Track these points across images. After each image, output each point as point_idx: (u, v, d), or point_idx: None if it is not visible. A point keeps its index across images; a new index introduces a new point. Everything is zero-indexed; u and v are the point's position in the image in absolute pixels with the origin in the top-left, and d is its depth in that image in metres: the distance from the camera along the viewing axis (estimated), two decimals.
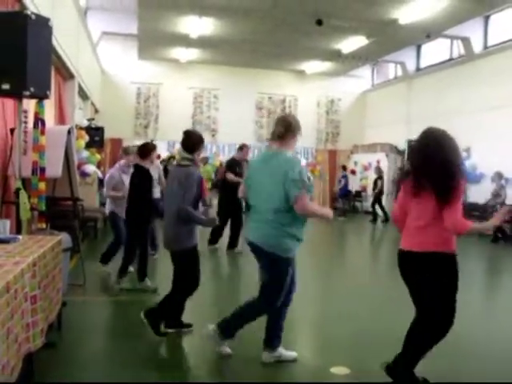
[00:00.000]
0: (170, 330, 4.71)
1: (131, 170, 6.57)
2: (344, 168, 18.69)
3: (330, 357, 4.35)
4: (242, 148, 9.50)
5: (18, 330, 2.98)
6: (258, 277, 4.12)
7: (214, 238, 9.49)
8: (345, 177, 18.40)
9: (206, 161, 16.15)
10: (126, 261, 6.41)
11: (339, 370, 3.98)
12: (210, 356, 4.22)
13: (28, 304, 3.25)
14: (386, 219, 15.57)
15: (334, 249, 11.76)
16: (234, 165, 9.29)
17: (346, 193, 18.45)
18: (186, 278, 4.60)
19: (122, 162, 7.24)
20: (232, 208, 9.20)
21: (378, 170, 16.63)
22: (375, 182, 16.60)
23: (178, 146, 17.88)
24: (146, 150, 6.29)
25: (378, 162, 17.46)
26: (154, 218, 6.98)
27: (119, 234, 6.99)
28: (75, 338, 4.60)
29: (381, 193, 16.34)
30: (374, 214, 16.27)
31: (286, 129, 3.91)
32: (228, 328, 4.05)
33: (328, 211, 4.15)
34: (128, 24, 14.56)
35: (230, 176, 9.02)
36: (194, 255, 4.59)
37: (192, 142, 4.65)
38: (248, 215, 4.37)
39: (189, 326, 4.81)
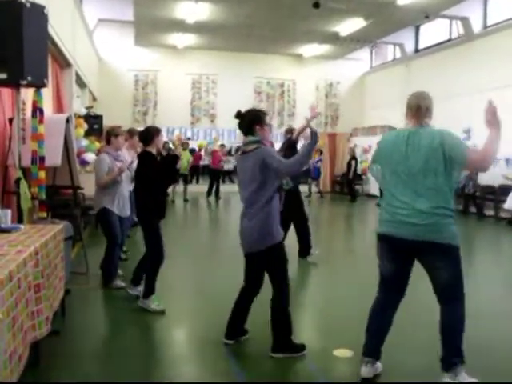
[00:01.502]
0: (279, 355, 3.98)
1: (123, 154, 6.08)
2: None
3: (333, 339, 4.38)
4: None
5: (23, 318, 3.01)
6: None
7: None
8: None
9: (185, 146, 15.85)
10: (154, 273, 5.18)
11: (342, 353, 4.01)
12: (216, 348, 4.25)
13: (32, 293, 3.27)
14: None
15: (337, 232, 11.79)
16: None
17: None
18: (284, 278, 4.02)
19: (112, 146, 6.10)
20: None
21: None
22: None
23: (177, 132, 17.93)
24: (149, 134, 5.28)
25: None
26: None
27: (115, 233, 5.90)
28: (79, 325, 4.64)
29: None
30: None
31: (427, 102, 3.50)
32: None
33: None
34: (124, 10, 14.41)
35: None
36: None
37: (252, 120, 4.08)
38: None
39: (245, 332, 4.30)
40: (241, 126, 4.08)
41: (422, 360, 3.88)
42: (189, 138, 18.23)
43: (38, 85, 4.85)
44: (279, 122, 19.67)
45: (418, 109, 3.44)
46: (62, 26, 9.22)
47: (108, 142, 6.07)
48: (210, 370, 3.85)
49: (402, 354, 4.01)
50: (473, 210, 13.51)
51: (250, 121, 4.03)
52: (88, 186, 9.69)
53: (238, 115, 4.08)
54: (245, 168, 4.00)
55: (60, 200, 7.80)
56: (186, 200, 16.09)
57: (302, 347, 4.01)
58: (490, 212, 13.11)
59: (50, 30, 7.17)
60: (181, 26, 15.44)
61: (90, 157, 10.76)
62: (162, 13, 14.18)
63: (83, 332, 4.50)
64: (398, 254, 3.47)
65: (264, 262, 4.00)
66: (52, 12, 5.82)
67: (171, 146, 11.58)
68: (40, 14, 4.69)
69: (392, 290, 3.58)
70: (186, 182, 16.38)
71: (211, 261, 7.68)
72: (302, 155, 3.88)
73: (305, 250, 7.61)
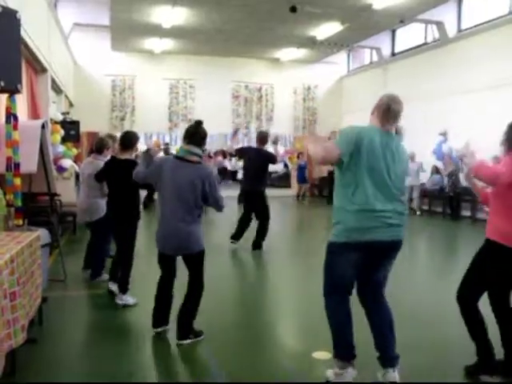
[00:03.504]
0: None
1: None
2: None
3: (311, 342, 4.38)
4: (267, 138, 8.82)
5: None
6: None
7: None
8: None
9: (167, 151, 15.29)
10: (130, 269, 5.54)
11: (321, 355, 4.02)
12: (196, 348, 4.24)
13: (7, 301, 3.21)
14: None
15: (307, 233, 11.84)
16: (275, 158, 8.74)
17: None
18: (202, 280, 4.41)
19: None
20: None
21: None
22: None
23: (155, 138, 17.81)
24: (132, 139, 5.58)
25: None
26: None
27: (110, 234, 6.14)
28: (56, 333, 4.57)
29: None
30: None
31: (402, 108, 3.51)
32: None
33: None
34: (100, 14, 14.32)
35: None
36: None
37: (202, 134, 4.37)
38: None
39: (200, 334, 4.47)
40: (194, 135, 4.27)
41: (420, 359, 3.91)
42: (167, 144, 18.13)
43: (12, 90, 4.77)
44: (257, 126, 19.71)
45: (398, 116, 3.47)
46: (36, 31, 9.12)
47: (100, 152, 6.49)
48: (189, 371, 3.83)
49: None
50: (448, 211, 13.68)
51: (206, 136, 4.34)
52: (65, 192, 9.62)
53: (199, 123, 4.34)
54: (183, 175, 4.18)
55: (36, 207, 7.69)
56: None
57: (200, 332, 4.41)
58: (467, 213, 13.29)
59: (24, 34, 7.12)
60: (157, 31, 15.38)
61: (68, 163, 10.65)
62: (138, 17, 14.11)
63: (61, 340, 4.43)
64: (371, 260, 3.47)
65: (195, 263, 4.35)
66: (25, 16, 5.77)
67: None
68: (12, 18, 4.61)
69: (347, 296, 3.55)
70: None
71: None
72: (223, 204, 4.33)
73: (259, 244, 8.54)
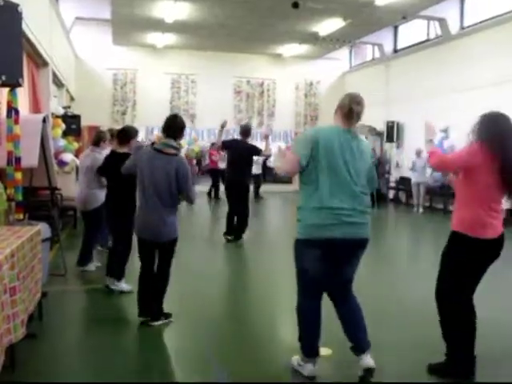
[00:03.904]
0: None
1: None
2: None
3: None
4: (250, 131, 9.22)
5: None
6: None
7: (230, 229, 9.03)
8: None
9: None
10: (127, 258, 5.74)
11: (322, 351, 4.01)
12: (196, 348, 4.23)
13: (7, 296, 3.21)
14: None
15: None
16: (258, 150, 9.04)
17: None
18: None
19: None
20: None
21: None
22: None
23: (156, 132, 17.78)
24: (129, 134, 5.77)
25: None
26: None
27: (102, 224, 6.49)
28: (56, 328, 4.58)
29: None
30: None
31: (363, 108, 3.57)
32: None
33: None
34: (101, 8, 14.26)
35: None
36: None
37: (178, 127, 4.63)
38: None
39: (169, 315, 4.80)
40: (169, 128, 4.54)
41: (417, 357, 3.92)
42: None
43: (13, 84, 4.76)
44: (259, 122, 19.68)
45: (359, 116, 3.54)
46: (37, 25, 9.09)
47: (97, 144, 6.73)
48: (189, 369, 3.83)
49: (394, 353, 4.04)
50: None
51: (183, 127, 4.61)
52: (66, 186, 9.62)
53: (175, 116, 4.67)
54: (159, 166, 4.44)
55: (37, 201, 7.69)
56: None
57: (169, 314, 4.75)
58: None
59: (25, 28, 7.08)
60: (160, 26, 15.31)
61: (69, 157, 10.64)
62: (140, 12, 14.04)
63: (60, 335, 4.44)
64: (333, 258, 3.50)
65: (167, 250, 4.64)
66: (27, 10, 5.74)
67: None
68: (14, 11, 4.60)
69: (318, 294, 3.61)
70: None
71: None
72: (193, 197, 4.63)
73: (239, 234, 8.84)
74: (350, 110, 3.48)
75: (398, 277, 6.80)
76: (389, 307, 5.31)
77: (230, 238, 8.91)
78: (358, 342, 3.59)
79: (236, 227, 8.93)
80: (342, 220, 3.38)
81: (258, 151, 8.96)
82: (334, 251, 3.46)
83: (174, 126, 4.58)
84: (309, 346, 3.63)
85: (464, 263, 3.53)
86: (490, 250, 3.52)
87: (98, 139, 6.79)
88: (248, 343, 4.37)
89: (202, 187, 17.18)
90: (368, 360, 3.52)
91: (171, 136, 4.55)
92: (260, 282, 6.63)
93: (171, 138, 4.54)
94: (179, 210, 4.75)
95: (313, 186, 3.42)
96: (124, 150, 5.65)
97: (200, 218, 13.57)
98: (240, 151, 8.80)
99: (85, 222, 6.85)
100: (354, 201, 3.42)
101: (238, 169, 8.83)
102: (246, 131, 9.08)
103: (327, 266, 3.49)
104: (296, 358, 3.72)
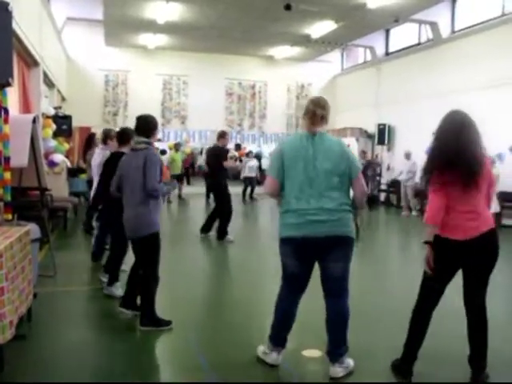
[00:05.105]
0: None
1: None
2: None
3: (301, 340, 4.36)
4: (224, 135, 9.52)
5: None
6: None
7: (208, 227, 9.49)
8: None
9: (178, 147, 16.55)
10: (119, 262, 5.68)
11: (311, 353, 4.02)
12: (188, 348, 4.21)
13: None
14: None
15: None
16: (225, 152, 9.51)
17: None
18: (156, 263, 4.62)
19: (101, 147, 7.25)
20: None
21: None
22: None
23: None
24: (128, 135, 5.75)
25: (348, 146, 17.29)
26: None
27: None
28: (46, 329, 4.54)
29: None
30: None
31: (328, 111, 3.70)
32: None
33: None
34: (93, 9, 14.23)
35: (230, 163, 9.58)
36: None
37: (148, 126, 4.71)
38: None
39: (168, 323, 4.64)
40: (138, 128, 4.70)
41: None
42: (159, 140, 18.12)
43: (3, 84, 4.74)
44: (250, 124, 19.70)
45: (323, 117, 3.64)
46: (28, 24, 9.05)
47: (105, 143, 7.07)
48: (181, 369, 3.82)
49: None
50: None
51: (154, 126, 4.74)
52: (56, 187, 9.56)
53: (141, 117, 4.74)
54: (132, 162, 4.54)
55: (27, 201, 7.63)
56: (181, 198, 16.59)
57: (167, 322, 4.56)
58: None
59: (16, 27, 7.05)
60: (151, 26, 15.30)
61: (59, 158, 10.59)
62: (132, 12, 14.01)
63: (50, 336, 4.40)
64: (305, 255, 3.60)
65: (143, 246, 4.54)
66: (18, 9, 5.72)
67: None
68: (4, 10, 4.58)
69: (295, 288, 3.75)
70: (182, 181, 16.98)
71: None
72: (162, 191, 4.63)
73: (222, 234, 9.11)
74: (314, 113, 3.62)
75: (382, 278, 6.82)
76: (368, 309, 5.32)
77: (202, 235, 9.41)
78: (334, 345, 3.65)
79: (218, 226, 9.29)
80: (307, 219, 3.50)
81: (221, 155, 9.31)
82: (310, 249, 3.56)
83: (141, 126, 4.70)
84: (276, 334, 3.79)
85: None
86: (457, 251, 3.48)
87: (104, 137, 7.08)
88: (243, 345, 4.35)
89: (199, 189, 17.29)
90: (335, 370, 3.60)
91: (142, 134, 4.66)
92: (246, 282, 6.61)
93: (141, 136, 4.65)
94: (159, 206, 4.64)
95: (284, 192, 3.64)
96: (123, 150, 5.58)
97: (200, 218, 13.52)
98: (209, 155, 9.90)
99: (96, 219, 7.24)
100: (319, 200, 3.50)
101: (209, 172, 9.92)
102: (218, 136, 9.59)
103: (299, 262, 3.62)
104: (262, 347, 3.89)
